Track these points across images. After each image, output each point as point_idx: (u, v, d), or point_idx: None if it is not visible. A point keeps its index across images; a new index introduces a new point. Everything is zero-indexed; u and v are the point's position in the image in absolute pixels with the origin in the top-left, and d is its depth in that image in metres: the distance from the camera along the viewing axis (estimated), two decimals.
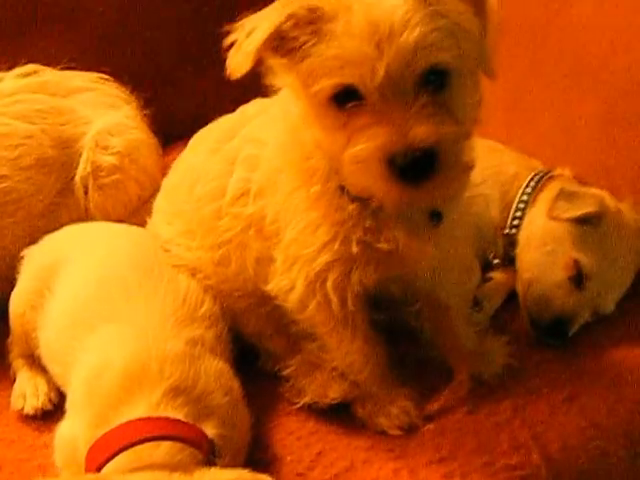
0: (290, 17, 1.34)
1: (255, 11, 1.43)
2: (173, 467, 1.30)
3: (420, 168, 1.31)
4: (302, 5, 1.34)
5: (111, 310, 1.55)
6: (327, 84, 1.33)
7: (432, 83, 1.32)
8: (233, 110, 1.84)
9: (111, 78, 2.12)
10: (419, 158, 1.30)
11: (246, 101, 1.86)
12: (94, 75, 2.11)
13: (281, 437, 1.58)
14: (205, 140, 1.75)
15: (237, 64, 1.36)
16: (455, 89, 1.35)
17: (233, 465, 1.41)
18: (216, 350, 1.54)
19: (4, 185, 1.86)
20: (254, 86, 2.32)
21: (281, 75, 1.41)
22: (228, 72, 1.37)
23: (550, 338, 1.72)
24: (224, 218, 1.61)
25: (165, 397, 1.39)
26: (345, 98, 1.33)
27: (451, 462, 1.51)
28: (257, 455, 1.52)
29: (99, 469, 1.32)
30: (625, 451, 1.58)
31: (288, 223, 1.50)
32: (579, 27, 1.88)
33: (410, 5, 1.31)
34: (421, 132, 1.29)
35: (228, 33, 1.40)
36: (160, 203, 1.82)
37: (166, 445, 1.33)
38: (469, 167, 1.41)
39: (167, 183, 1.84)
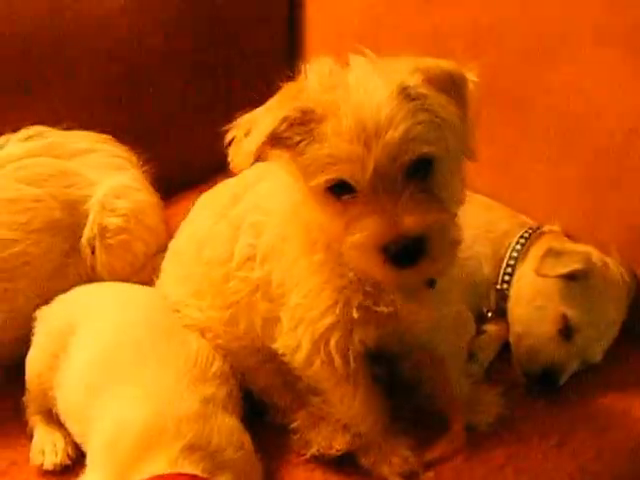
0: (285, 120, 1.57)
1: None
2: None
3: (411, 253, 1.54)
4: (295, 107, 1.57)
5: (126, 372, 1.77)
6: (322, 179, 1.56)
7: (418, 172, 1.55)
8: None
9: (112, 138, 2.34)
10: (410, 245, 1.53)
11: None
12: (97, 136, 2.33)
13: None
14: (210, 205, 1.99)
15: (238, 162, 1.60)
16: (440, 175, 1.58)
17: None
18: (228, 407, 1.77)
19: (16, 250, 2.07)
20: None
21: (281, 163, 1.66)
22: (231, 167, 1.61)
23: (541, 387, 1.97)
24: (232, 281, 1.84)
25: (182, 454, 1.61)
26: (340, 190, 1.56)
27: None
28: None
29: None
30: None
31: (293, 288, 1.74)
32: (562, 89, 2.12)
33: (394, 103, 1.53)
34: (410, 222, 1.52)
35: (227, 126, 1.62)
36: (168, 265, 2.05)
37: None
38: (457, 243, 1.65)
39: (174, 245, 2.08)
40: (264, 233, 1.79)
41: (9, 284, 2.06)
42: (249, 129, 1.60)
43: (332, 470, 1.83)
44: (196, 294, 1.93)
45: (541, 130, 2.17)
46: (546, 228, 2.13)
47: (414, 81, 1.55)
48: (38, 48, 2.41)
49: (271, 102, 1.63)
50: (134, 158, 2.35)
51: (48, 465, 1.89)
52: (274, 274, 1.77)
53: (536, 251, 2.06)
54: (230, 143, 1.61)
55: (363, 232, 1.55)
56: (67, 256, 2.16)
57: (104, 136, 2.34)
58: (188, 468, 1.59)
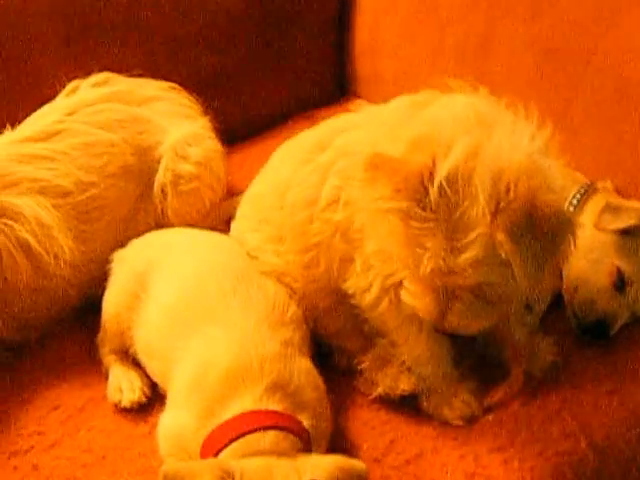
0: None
1: None
2: (279, 453, 1.63)
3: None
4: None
5: (211, 313, 1.87)
6: None
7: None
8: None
9: (178, 87, 2.43)
10: None
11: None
12: (164, 84, 2.42)
13: (357, 427, 1.91)
14: (292, 152, 2.08)
15: None
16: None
17: (319, 453, 1.75)
18: (303, 350, 1.87)
19: (93, 192, 2.17)
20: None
21: None
22: None
23: (593, 337, 2.07)
24: (315, 223, 1.93)
25: (266, 392, 1.71)
26: None
27: (509, 449, 1.84)
28: (337, 444, 1.85)
29: (215, 456, 1.65)
30: None
31: (370, 237, 1.83)
32: (618, 51, 2.19)
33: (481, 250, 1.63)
34: (453, 322, 1.71)
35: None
36: (245, 211, 2.15)
37: (272, 434, 1.65)
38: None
39: (252, 192, 2.16)
40: (351, 177, 1.88)
41: (86, 226, 2.16)
42: None
43: (396, 411, 1.94)
44: (274, 239, 2.02)
45: (595, 89, 2.24)
46: (599, 185, 2.22)
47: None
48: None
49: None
50: (199, 107, 2.43)
51: (126, 402, 1.98)
52: (355, 218, 1.86)
53: (592, 206, 2.14)
54: None
55: (416, 300, 1.73)
56: (139, 201, 2.27)
57: (170, 84, 2.42)
58: (272, 406, 1.70)
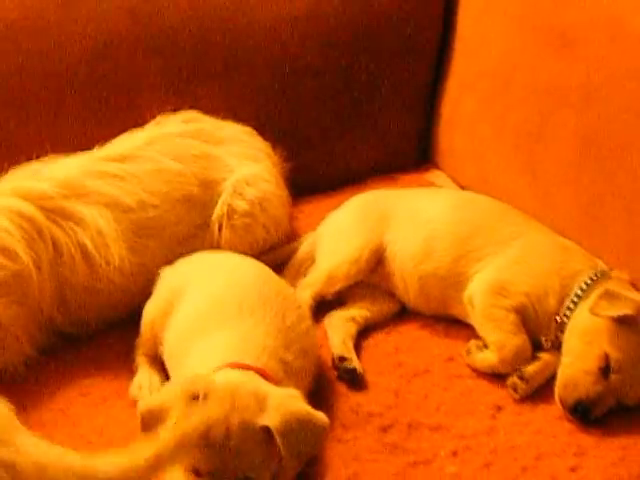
0: None
1: None
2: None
3: None
4: None
5: (223, 323, 2.15)
6: None
7: None
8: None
9: (255, 132, 2.75)
10: None
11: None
12: (242, 128, 2.75)
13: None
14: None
15: None
16: None
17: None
18: (299, 375, 2.12)
19: (154, 214, 2.50)
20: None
21: None
22: None
23: (574, 418, 2.21)
24: None
25: None
26: None
27: None
28: None
29: None
30: None
31: None
32: None
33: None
34: None
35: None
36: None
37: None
38: None
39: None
40: None
41: (142, 241, 2.48)
42: None
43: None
44: None
45: (626, 182, 2.41)
46: (614, 273, 2.37)
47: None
48: (212, 45, 2.85)
49: None
50: (272, 153, 2.75)
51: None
52: None
53: (598, 292, 2.31)
54: None
55: None
56: (198, 228, 2.58)
57: (248, 129, 2.75)
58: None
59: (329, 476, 2.07)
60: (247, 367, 2.00)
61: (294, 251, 2.68)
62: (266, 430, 1.86)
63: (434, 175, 3.07)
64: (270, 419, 1.84)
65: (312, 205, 2.91)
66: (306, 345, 2.22)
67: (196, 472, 1.88)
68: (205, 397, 1.87)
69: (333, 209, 2.74)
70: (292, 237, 2.75)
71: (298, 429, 1.85)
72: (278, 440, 1.83)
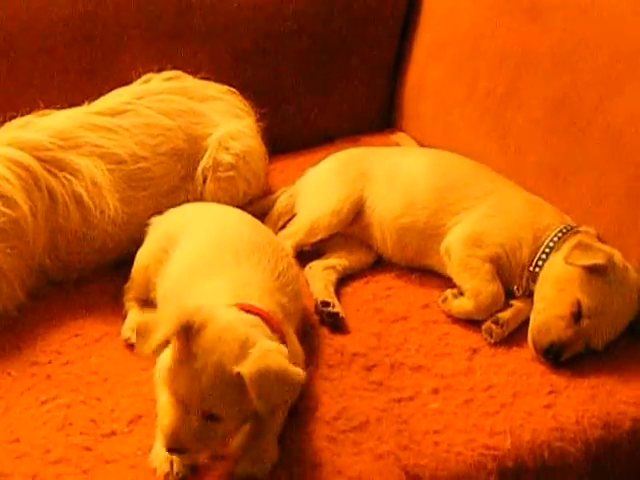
0: None
1: None
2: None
3: None
4: None
5: (222, 268, 2.21)
6: None
7: None
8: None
9: (237, 91, 2.82)
10: None
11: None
12: (224, 87, 2.81)
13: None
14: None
15: None
16: None
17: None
18: (292, 320, 2.19)
19: (143, 165, 2.55)
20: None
21: None
22: None
23: (546, 360, 2.32)
24: None
25: None
26: None
27: (442, 433, 2.11)
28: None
29: None
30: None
31: None
32: (620, 114, 2.46)
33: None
34: None
35: None
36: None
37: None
38: None
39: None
40: None
41: (133, 192, 2.54)
42: None
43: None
44: None
45: (593, 144, 2.52)
46: (582, 228, 2.47)
47: None
48: (194, 9, 2.91)
49: None
50: (252, 111, 2.82)
51: (134, 339, 2.18)
52: None
53: (569, 244, 2.41)
54: None
55: None
56: (183, 180, 2.64)
57: (230, 88, 2.81)
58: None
59: (320, 410, 2.15)
60: (255, 310, 2.05)
61: (271, 204, 2.75)
62: (240, 377, 1.90)
63: (398, 137, 3.15)
64: (246, 367, 1.88)
65: (284, 162, 3.00)
66: (296, 289, 2.30)
67: (175, 396, 1.94)
68: (197, 331, 1.92)
69: (304, 166, 2.82)
70: (267, 191, 2.83)
71: (272, 382, 1.88)
72: (250, 389, 1.88)
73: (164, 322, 1.93)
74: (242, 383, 1.89)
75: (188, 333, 1.92)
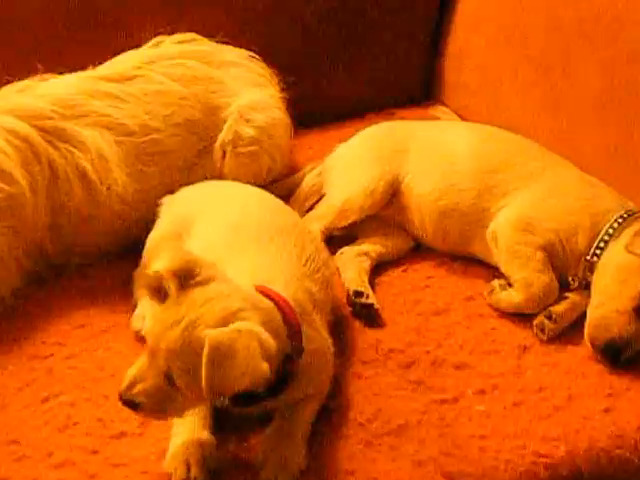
0: None
1: None
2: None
3: None
4: None
5: (243, 253, 2.22)
6: None
7: None
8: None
9: (259, 57, 2.83)
10: None
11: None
12: (244, 52, 2.83)
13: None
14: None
15: None
16: None
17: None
18: (320, 308, 2.20)
19: (155, 137, 2.58)
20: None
21: None
22: None
23: (605, 359, 2.33)
24: None
25: None
26: None
27: (490, 438, 2.13)
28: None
29: None
30: None
31: None
32: None
33: None
34: None
35: None
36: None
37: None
38: None
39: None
40: None
41: (143, 167, 2.57)
42: None
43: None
44: None
45: None
46: None
47: None
48: None
49: None
50: (275, 79, 2.84)
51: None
52: None
53: (630, 231, 2.42)
54: None
55: None
56: (199, 155, 2.66)
57: (249, 53, 2.83)
58: None
59: (353, 411, 2.17)
60: (273, 295, 2.06)
61: (296, 184, 2.78)
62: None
63: (439, 111, 3.18)
64: (211, 335, 1.89)
65: (312, 137, 3.03)
66: (327, 276, 2.32)
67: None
68: (197, 283, 1.96)
69: (333, 142, 2.84)
70: (292, 169, 2.86)
71: (228, 362, 1.88)
72: (203, 359, 1.88)
73: (172, 255, 2.00)
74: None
75: (187, 279, 1.97)
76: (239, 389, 1.91)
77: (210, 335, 1.88)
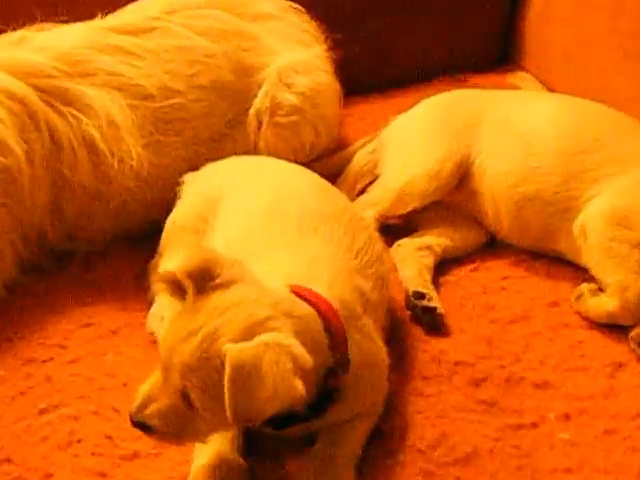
0: None
1: None
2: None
3: None
4: None
5: (283, 244, 2.24)
6: None
7: None
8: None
9: (303, 9, 2.86)
10: None
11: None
12: (285, 3, 2.85)
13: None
14: None
15: None
16: None
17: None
18: (373, 314, 2.21)
19: (176, 101, 2.60)
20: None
21: None
22: None
23: None
24: None
25: None
26: None
27: (577, 473, 2.14)
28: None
29: None
30: None
31: None
32: None
33: None
34: None
35: None
36: None
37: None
38: None
39: None
40: None
41: (162, 137, 2.59)
42: None
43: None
44: None
45: None
46: None
47: None
48: None
49: None
50: (322, 36, 2.86)
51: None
52: None
53: None
54: None
55: None
56: (229, 125, 2.69)
57: (291, 4, 2.86)
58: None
59: (412, 435, 2.19)
60: (313, 298, 2.06)
61: (345, 162, 2.80)
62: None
63: (518, 77, 3.22)
64: (233, 351, 1.89)
65: (364, 106, 3.08)
66: (382, 272, 2.33)
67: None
68: (216, 286, 1.98)
69: (390, 113, 2.85)
70: (341, 145, 2.88)
71: (254, 383, 1.88)
72: (225, 380, 1.89)
73: (187, 252, 2.02)
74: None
75: (205, 282, 1.98)
76: (270, 413, 1.92)
77: (231, 352, 1.89)
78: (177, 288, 2.40)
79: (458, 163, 2.64)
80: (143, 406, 1.97)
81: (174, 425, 1.97)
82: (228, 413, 1.88)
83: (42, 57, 2.52)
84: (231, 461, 2.07)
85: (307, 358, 1.93)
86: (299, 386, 1.90)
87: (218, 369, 1.90)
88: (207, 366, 1.92)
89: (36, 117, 2.47)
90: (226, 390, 1.87)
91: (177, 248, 2.13)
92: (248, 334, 1.92)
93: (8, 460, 2.13)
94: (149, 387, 1.99)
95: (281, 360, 1.90)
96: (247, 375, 1.87)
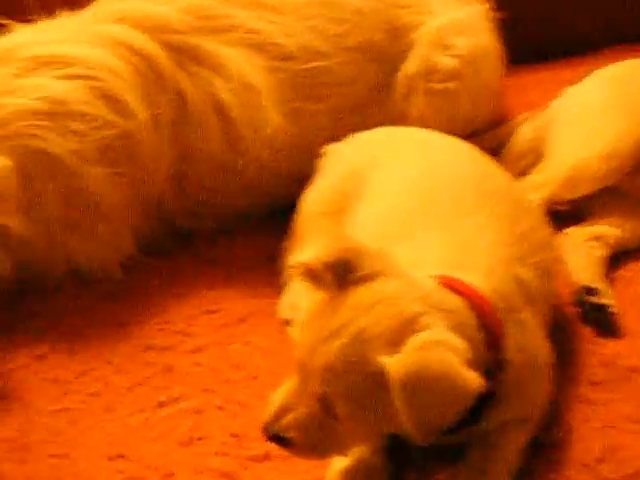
0: None
1: None
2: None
3: None
4: None
5: (436, 222, 2.34)
6: None
7: None
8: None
9: None
10: None
11: None
12: None
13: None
14: None
15: None
16: None
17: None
18: (535, 312, 2.28)
19: (321, 64, 2.73)
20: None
21: None
22: None
23: None
24: None
25: None
26: None
27: None
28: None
29: None
30: None
31: None
32: None
33: None
34: None
35: None
36: None
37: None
38: None
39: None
40: None
41: (303, 104, 2.73)
42: None
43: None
44: None
45: None
46: None
47: None
48: None
49: None
50: None
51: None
52: None
53: None
54: None
55: None
56: (374, 90, 2.81)
57: None
58: None
59: (577, 447, 2.27)
60: (464, 290, 2.14)
61: (506, 138, 2.90)
62: (382, 371, 1.99)
63: None
64: (396, 364, 1.95)
65: (527, 77, 3.19)
66: (546, 262, 2.40)
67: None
68: (359, 279, 2.06)
69: (557, 85, 2.94)
70: (502, 117, 2.98)
71: (431, 391, 1.95)
72: (396, 397, 1.95)
73: (327, 242, 2.14)
74: (382, 380, 1.97)
75: (346, 274, 2.07)
76: (453, 416, 1.99)
77: (393, 368, 1.95)
78: (314, 276, 2.49)
79: (638, 142, 2.70)
80: (279, 416, 2.05)
81: (314, 437, 2.06)
82: (412, 432, 1.95)
83: (169, 9, 2.64)
84: (373, 465, 2.16)
85: (467, 349, 2.00)
86: (473, 376, 1.96)
87: (367, 376, 1.97)
88: (353, 371, 1.99)
89: (163, 77, 2.59)
90: (402, 412, 1.93)
91: (315, 236, 2.25)
92: (400, 334, 1.98)
93: (122, 456, 2.25)
94: (284, 395, 2.06)
95: (445, 358, 1.97)
96: (418, 387, 1.94)
